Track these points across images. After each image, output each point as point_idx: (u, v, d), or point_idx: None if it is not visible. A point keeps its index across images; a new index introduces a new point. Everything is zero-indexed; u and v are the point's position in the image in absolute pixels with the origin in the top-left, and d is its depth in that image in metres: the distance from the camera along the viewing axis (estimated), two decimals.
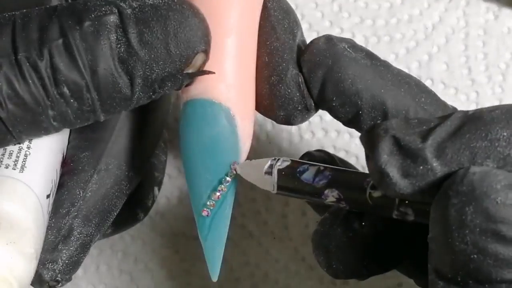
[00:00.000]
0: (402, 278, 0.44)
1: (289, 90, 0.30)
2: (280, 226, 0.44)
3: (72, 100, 0.24)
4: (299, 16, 0.45)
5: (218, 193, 0.28)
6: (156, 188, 0.38)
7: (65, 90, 0.24)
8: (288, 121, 0.31)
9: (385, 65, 0.30)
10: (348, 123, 0.30)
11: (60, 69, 0.23)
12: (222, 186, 0.29)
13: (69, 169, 0.30)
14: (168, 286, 0.45)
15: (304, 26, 0.45)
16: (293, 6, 0.45)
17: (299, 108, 0.30)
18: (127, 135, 0.31)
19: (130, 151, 0.32)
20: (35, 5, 0.28)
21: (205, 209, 0.29)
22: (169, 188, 0.45)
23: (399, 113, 0.28)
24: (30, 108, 0.24)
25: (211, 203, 0.29)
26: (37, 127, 0.25)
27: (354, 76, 0.28)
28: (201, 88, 0.27)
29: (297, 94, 0.30)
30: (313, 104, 0.30)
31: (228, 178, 0.29)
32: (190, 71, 0.25)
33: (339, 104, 0.29)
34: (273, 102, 0.30)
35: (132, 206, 0.36)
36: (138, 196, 0.36)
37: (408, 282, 0.44)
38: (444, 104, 0.30)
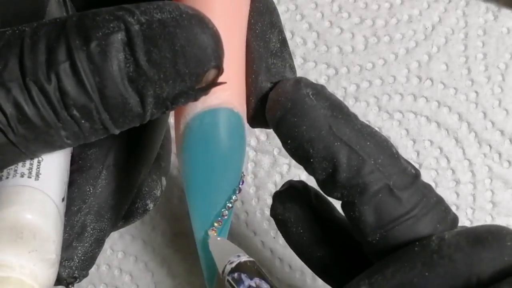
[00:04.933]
0: None
1: (259, 102, 0.29)
2: None
3: (83, 121, 0.23)
4: (299, 17, 0.46)
5: (230, 205, 0.28)
6: (163, 178, 0.38)
7: (75, 112, 0.23)
8: (263, 127, 0.31)
9: (348, 119, 0.28)
10: (301, 165, 0.29)
11: (68, 92, 0.23)
12: (235, 197, 0.28)
13: (77, 166, 0.30)
14: (168, 285, 0.45)
15: (304, 26, 0.45)
16: (293, 6, 0.46)
17: None
18: (133, 129, 0.31)
19: (138, 144, 0.31)
20: (31, 9, 0.27)
21: (219, 219, 0.28)
22: (169, 187, 0.45)
23: (350, 169, 0.27)
24: (41, 131, 0.23)
25: (225, 213, 0.28)
26: (51, 145, 0.24)
27: (309, 124, 0.27)
28: (223, 97, 0.26)
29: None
30: None
31: (240, 187, 0.28)
32: (203, 85, 0.24)
33: (293, 147, 0.28)
34: (246, 113, 0.29)
35: (142, 198, 0.35)
36: (147, 187, 0.36)
37: None
38: (404, 168, 0.28)
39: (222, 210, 0.28)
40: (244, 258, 0.27)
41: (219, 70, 0.24)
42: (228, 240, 0.28)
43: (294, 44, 0.45)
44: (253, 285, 0.26)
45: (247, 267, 0.27)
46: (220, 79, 0.25)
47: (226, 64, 0.25)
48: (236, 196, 0.28)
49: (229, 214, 0.28)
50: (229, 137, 0.27)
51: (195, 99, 0.25)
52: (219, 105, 0.26)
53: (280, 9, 0.45)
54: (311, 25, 0.45)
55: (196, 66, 0.23)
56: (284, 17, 0.45)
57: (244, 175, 0.29)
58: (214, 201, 0.28)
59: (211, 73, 0.24)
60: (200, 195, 0.28)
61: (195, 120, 0.26)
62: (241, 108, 0.27)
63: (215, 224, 0.28)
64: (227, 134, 0.27)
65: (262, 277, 0.27)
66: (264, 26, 0.29)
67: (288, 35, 0.45)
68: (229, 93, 0.26)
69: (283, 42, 0.30)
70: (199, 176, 0.27)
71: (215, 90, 0.25)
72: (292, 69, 0.30)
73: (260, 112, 0.29)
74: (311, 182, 0.44)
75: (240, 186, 0.28)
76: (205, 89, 0.24)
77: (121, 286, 0.45)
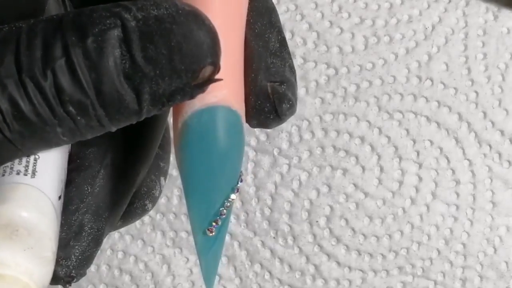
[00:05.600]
0: (405, 277, 0.44)
1: (259, 102, 0.29)
2: (283, 225, 0.44)
3: (79, 118, 0.23)
4: (299, 17, 0.46)
5: (228, 204, 0.28)
6: (162, 178, 0.38)
7: (71, 109, 0.23)
8: (263, 127, 0.31)
9: None
10: None
11: (64, 88, 0.23)
12: (234, 195, 0.28)
13: (75, 165, 0.30)
14: (168, 285, 0.45)
15: (304, 26, 0.45)
16: (293, 6, 0.46)
17: (271, 117, 0.30)
18: (132, 128, 0.31)
19: (136, 143, 0.31)
20: (29, 8, 0.27)
21: (218, 218, 0.28)
22: (169, 187, 0.45)
23: None
24: (37, 127, 0.23)
25: (224, 212, 0.28)
26: (47, 142, 0.24)
27: None
28: (220, 95, 0.26)
29: (267, 105, 0.29)
30: (286, 111, 0.30)
31: (238, 186, 0.28)
32: (199, 82, 0.24)
33: None
34: (245, 112, 0.30)
35: (141, 198, 0.35)
36: (145, 188, 0.36)
37: (411, 282, 0.44)
38: None
39: (221, 209, 0.27)
40: None
41: (216, 66, 0.24)
42: None
43: (294, 44, 0.45)
44: None
45: None
46: (218, 77, 0.24)
47: (224, 62, 0.25)
48: (235, 195, 0.28)
49: (228, 213, 0.28)
50: (227, 135, 0.26)
51: (192, 96, 0.25)
52: (217, 103, 0.26)
53: (280, 9, 0.45)
54: (311, 25, 0.45)
55: (192, 62, 0.23)
56: (284, 17, 0.45)
57: (242, 174, 0.29)
58: (212, 200, 0.27)
59: (208, 70, 0.24)
60: (198, 193, 0.28)
61: (192, 118, 0.26)
62: (239, 107, 0.27)
63: (214, 223, 0.28)
64: (225, 131, 0.26)
65: None
66: (263, 25, 0.29)
67: (288, 35, 0.45)
68: (226, 91, 0.26)
69: (283, 41, 0.30)
70: (197, 174, 0.27)
71: (212, 88, 0.25)
72: (292, 68, 0.30)
73: (260, 111, 0.29)
74: (311, 182, 0.45)
75: (238, 185, 0.28)
76: (201, 86, 0.24)
77: (121, 286, 0.45)
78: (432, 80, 0.44)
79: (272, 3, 0.30)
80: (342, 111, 0.45)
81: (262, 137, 0.45)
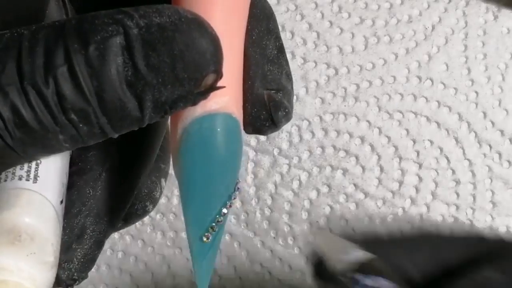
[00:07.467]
0: None
1: (255, 109, 0.29)
2: (283, 225, 0.44)
3: (81, 125, 0.23)
4: (299, 17, 0.46)
5: (225, 211, 0.28)
6: (163, 180, 0.38)
7: (73, 116, 0.23)
8: (258, 133, 0.31)
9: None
10: None
11: (66, 96, 0.22)
12: (230, 203, 0.28)
13: (77, 169, 0.30)
14: (168, 285, 0.45)
15: (304, 26, 0.45)
16: (293, 6, 0.46)
17: (267, 124, 0.30)
18: (133, 131, 0.31)
19: (137, 146, 0.31)
20: (30, 12, 0.27)
21: (214, 224, 0.28)
22: (169, 187, 0.45)
23: None
24: (39, 134, 0.23)
25: (220, 219, 0.28)
26: (49, 149, 0.24)
27: None
28: (222, 102, 0.26)
29: (264, 112, 0.29)
30: (282, 119, 0.30)
31: (236, 194, 0.28)
32: (202, 90, 0.24)
33: None
34: (241, 119, 0.29)
35: (141, 199, 0.35)
36: (146, 189, 0.36)
37: None
38: None
39: (217, 216, 0.27)
40: (361, 254, 0.27)
41: (218, 74, 0.24)
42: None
43: (294, 44, 0.45)
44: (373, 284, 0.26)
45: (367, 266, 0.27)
46: (220, 84, 0.24)
47: (225, 69, 0.24)
48: (232, 202, 0.28)
49: (224, 220, 0.28)
50: (227, 142, 0.26)
51: (194, 103, 0.25)
52: (218, 110, 0.26)
53: (280, 9, 0.45)
54: (311, 25, 0.45)
55: (195, 70, 0.23)
56: (284, 17, 0.45)
57: (239, 181, 0.29)
58: (210, 207, 0.27)
59: (210, 78, 0.24)
60: (197, 200, 0.27)
61: (193, 125, 0.26)
62: (239, 114, 0.27)
63: (210, 230, 0.28)
64: (225, 138, 0.26)
65: (381, 275, 0.27)
66: (261, 32, 0.29)
67: (288, 35, 0.45)
68: (228, 98, 0.26)
69: (280, 48, 0.30)
70: (196, 180, 0.27)
71: (214, 95, 0.25)
72: (289, 76, 0.30)
73: (256, 118, 0.29)
74: (311, 182, 0.45)
75: (236, 192, 0.28)
76: (204, 94, 0.24)
77: (121, 286, 0.45)
78: (432, 80, 0.44)
79: (271, 9, 0.30)
80: (342, 111, 0.45)
81: (262, 137, 0.45)
